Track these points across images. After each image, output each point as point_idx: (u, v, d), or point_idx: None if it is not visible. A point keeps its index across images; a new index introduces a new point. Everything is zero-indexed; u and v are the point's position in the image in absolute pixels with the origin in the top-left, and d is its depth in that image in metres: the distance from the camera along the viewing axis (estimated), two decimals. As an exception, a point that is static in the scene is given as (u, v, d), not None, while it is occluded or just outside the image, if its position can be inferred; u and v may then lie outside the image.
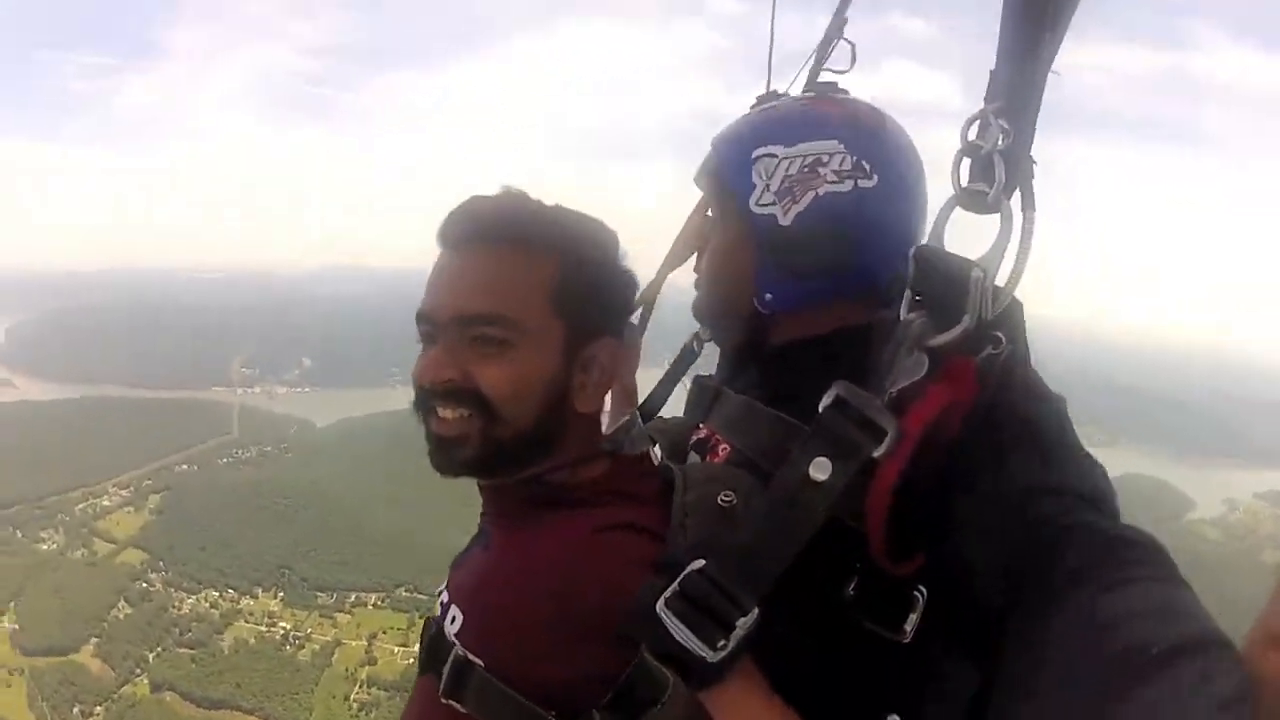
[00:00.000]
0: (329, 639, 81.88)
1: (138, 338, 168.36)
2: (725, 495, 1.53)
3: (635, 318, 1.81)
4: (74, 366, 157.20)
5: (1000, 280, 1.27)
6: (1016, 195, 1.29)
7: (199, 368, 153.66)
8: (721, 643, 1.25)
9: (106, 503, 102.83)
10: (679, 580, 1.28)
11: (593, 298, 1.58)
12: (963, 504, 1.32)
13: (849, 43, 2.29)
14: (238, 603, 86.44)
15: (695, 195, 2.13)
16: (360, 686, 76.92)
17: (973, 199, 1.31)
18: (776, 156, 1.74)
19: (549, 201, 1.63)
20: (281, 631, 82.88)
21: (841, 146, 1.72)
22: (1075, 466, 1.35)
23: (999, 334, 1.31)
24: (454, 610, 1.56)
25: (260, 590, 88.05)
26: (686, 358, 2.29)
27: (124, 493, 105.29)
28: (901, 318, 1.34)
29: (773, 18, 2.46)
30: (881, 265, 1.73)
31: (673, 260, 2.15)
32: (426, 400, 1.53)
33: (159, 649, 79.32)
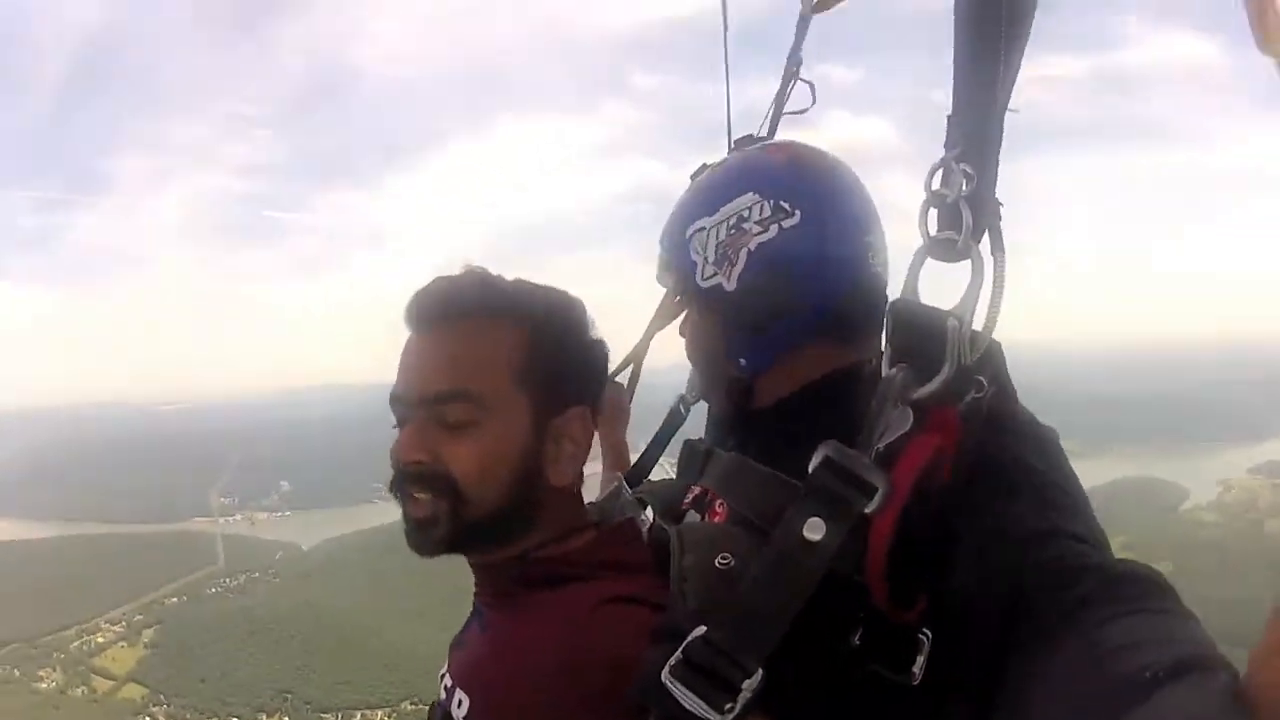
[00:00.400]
0: None
1: (110, 473, 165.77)
2: (723, 558, 1.51)
3: (624, 377, 2.09)
4: (47, 505, 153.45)
5: (977, 324, 1.28)
6: (986, 239, 1.29)
7: (176, 500, 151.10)
8: (729, 705, 1.24)
9: (101, 639, 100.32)
10: (682, 648, 1.27)
11: (559, 368, 1.59)
12: (965, 548, 1.34)
13: (807, 82, 2.43)
14: None
15: (639, 270, 2.28)
16: (380, 803, 74.69)
17: (942, 247, 1.32)
18: (705, 228, 1.82)
19: (510, 277, 1.65)
20: None
21: (756, 196, 1.77)
22: (1074, 508, 1.40)
23: (981, 378, 1.33)
24: (459, 694, 1.57)
25: (265, 717, 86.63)
26: (674, 420, 2.41)
27: (117, 628, 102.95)
28: (883, 374, 1.34)
29: (727, 81, 2.58)
30: (832, 292, 1.79)
31: (658, 322, 2.25)
32: (400, 483, 1.56)
33: None
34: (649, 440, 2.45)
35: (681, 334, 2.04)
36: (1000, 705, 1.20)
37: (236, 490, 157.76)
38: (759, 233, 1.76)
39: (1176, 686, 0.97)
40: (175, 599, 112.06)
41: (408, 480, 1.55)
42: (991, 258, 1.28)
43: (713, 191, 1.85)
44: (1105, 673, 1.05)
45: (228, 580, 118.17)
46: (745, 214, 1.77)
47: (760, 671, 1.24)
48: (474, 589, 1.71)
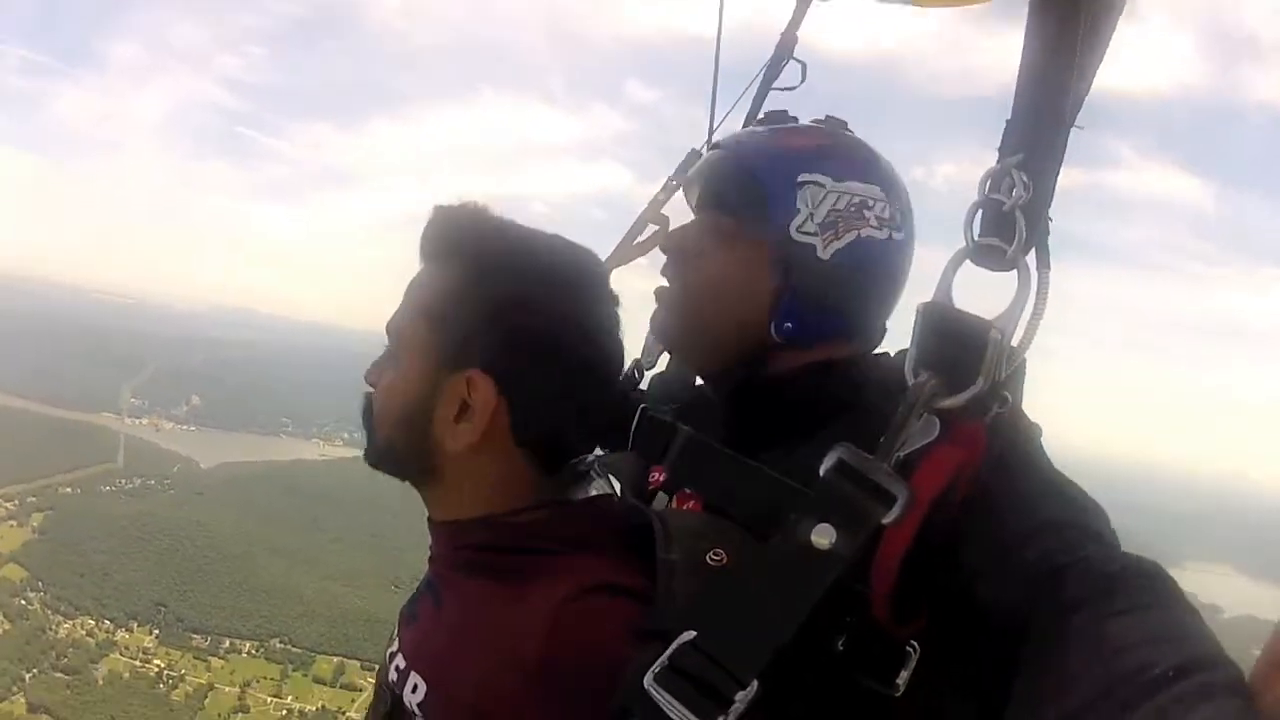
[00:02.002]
0: (202, 682, 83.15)
1: (29, 349, 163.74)
2: (715, 554, 1.37)
3: None
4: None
5: (1013, 340, 1.21)
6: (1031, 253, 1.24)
7: (89, 390, 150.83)
8: (719, 718, 1.12)
9: None
10: (669, 653, 1.16)
11: (476, 325, 1.40)
12: (973, 547, 1.26)
13: (799, 62, 2.30)
14: (113, 634, 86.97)
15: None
16: (232, 734, 78.58)
17: (987, 254, 1.25)
18: (824, 187, 1.65)
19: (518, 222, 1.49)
20: (156, 669, 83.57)
21: (883, 194, 1.69)
22: (1084, 504, 1.34)
23: (1006, 393, 1.28)
24: (415, 678, 1.42)
25: (135, 624, 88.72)
26: (625, 386, 2.11)
27: (8, 505, 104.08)
28: (909, 380, 1.25)
29: (718, 48, 2.46)
30: (885, 314, 1.77)
31: (620, 258, 2.06)
32: None
33: (35, 670, 79.55)
34: None
35: (685, 254, 1.78)
36: (1012, 699, 1.12)
37: (149, 394, 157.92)
38: (875, 227, 1.67)
39: (1182, 687, 0.94)
40: (69, 489, 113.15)
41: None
42: (1036, 273, 1.22)
43: (841, 160, 1.70)
44: (1114, 669, 1.01)
45: (123, 481, 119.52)
46: (870, 204, 1.67)
47: (755, 683, 1.13)
48: (429, 552, 1.57)
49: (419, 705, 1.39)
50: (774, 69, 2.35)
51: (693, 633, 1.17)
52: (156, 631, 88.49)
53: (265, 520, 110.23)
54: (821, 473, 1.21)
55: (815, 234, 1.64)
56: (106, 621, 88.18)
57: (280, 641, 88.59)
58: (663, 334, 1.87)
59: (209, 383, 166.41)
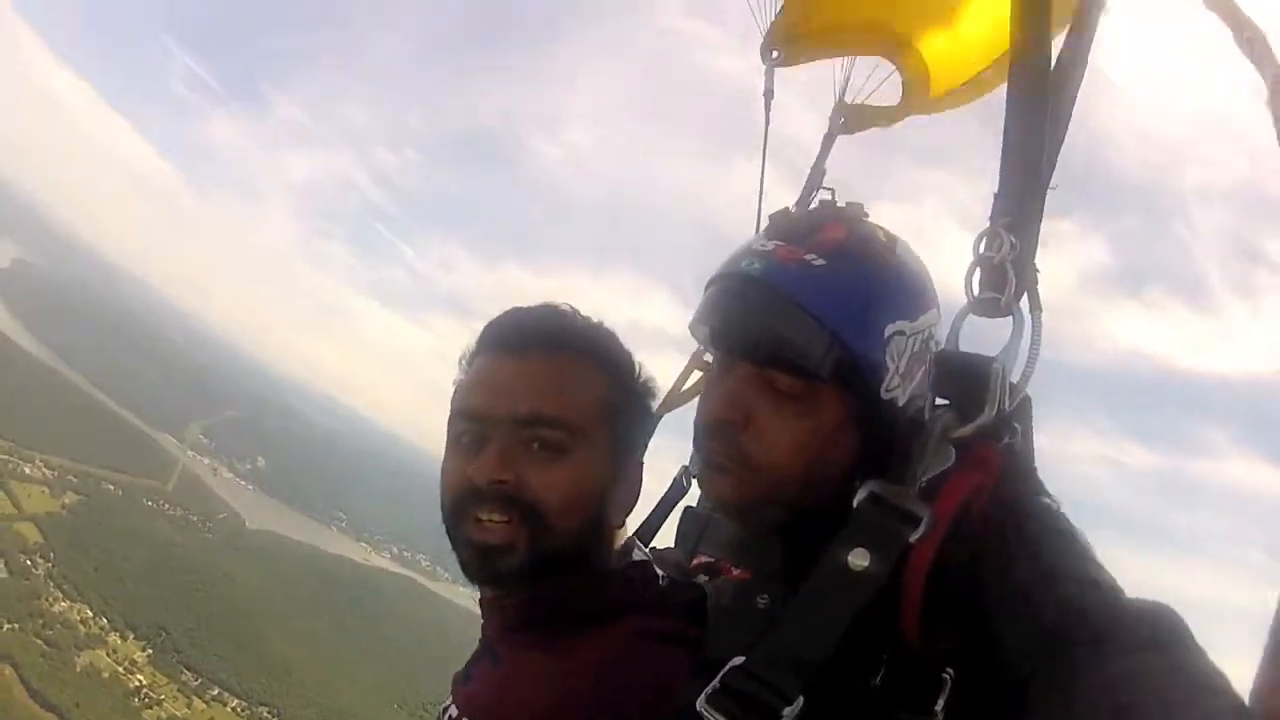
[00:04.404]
0: (179, 715, 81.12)
1: (123, 348, 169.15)
2: (762, 598, 1.56)
3: None
4: (59, 335, 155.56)
5: (1015, 377, 1.43)
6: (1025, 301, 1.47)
7: (161, 408, 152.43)
8: None
9: (28, 470, 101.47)
10: (720, 677, 1.31)
11: (632, 415, 1.71)
12: (992, 587, 1.34)
13: (829, 189, 2.23)
14: (106, 633, 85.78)
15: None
16: (192, 774, 76.73)
17: (985, 305, 1.49)
18: (906, 334, 1.61)
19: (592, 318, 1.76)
20: (137, 683, 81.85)
21: (938, 311, 1.67)
22: (1087, 553, 1.39)
23: (1016, 425, 1.46)
24: None
25: (132, 635, 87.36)
26: (676, 491, 2.34)
27: (48, 471, 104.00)
28: (927, 417, 1.46)
29: (764, 156, 2.78)
30: None
31: (671, 403, 2.23)
32: (469, 504, 1.56)
33: (16, 625, 77.71)
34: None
35: (754, 424, 1.59)
36: None
37: (218, 437, 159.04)
38: (934, 349, 1.63)
39: (1189, 714, 1.01)
40: (112, 486, 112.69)
41: (484, 500, 1.54)
42: (1030, 317, 1.46)
43: (913, 293, 1.64)
44: (1105, 705, 1.09)
45: (166, 505, 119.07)
46: (933, 329, 1.65)
47: (801, 699, 1.27)
48: (481, 622, 1.76)
49: None
50: (805, 199, 2.65)
51: (742, 658, 1.33)
52: (150, 651, 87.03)
53: (293, 598, 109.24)
54: (855, 505, 1.40)
55: (899, 386, 1.59)
56: (104, 619, 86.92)
57: (270, 712, 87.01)
58: (734, 509, 1.67)
59: (278, 449, 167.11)
